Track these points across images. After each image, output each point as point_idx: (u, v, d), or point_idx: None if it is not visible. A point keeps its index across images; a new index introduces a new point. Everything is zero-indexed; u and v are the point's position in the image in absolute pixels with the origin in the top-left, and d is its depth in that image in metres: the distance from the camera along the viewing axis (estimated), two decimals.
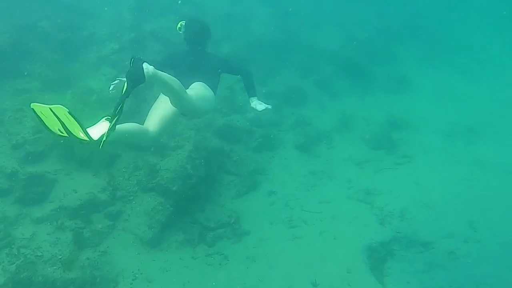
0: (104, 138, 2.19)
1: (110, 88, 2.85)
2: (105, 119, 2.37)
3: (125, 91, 2.18)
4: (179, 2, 6.24)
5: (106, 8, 5.78)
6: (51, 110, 2.00)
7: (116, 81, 2.86)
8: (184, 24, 3.41)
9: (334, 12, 8.48)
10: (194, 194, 4.10)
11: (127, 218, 3.69)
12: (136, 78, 2.18)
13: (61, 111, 2.01)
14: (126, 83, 2.19)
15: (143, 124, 2.88)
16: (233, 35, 6.63)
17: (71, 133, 2.06)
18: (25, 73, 4.31)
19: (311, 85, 6.64)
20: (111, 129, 2.23)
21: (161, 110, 2.97)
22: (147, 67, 2.28)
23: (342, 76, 6.96)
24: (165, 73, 2.52)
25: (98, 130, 2.27)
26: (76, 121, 2.03)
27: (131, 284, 3.10)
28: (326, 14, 8.35)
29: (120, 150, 4.23)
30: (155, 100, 3.15)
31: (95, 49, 5.16)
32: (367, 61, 7.28)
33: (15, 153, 3.55)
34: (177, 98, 2.75)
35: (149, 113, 3.02)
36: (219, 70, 3.38)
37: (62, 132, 2.09)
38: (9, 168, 3.33)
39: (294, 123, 5.80)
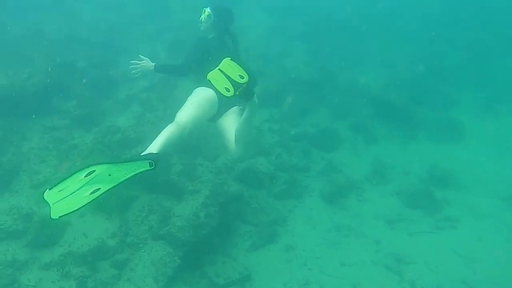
0: None
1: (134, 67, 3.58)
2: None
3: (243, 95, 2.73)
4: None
5: (142, 46, 6.20)
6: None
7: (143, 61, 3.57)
8: (210, 11, 3.51)
9: (379, 49, 8.25)
10: (205, 245, 4.06)
11: (134, 268, 3.73)
12: (249, 96, 2.78)
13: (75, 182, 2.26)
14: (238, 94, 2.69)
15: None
16: (266, 73, 6.71)
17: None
18: (58, 111, 4.69)
19: (346, 127, 6.45)
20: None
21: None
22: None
23: (382, 119, 6.67)
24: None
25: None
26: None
27: None
28: (369, 51, 8.15)
29: (139, 192, 4.37)
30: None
31: (127, 87, 5.52)
32: (411, 103, 6.91)
33: (35, 192, 3.79)
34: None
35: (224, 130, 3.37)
36: None
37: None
38: (26, 209, 3.55)
39: (323, 169, 5.63)
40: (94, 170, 2.26)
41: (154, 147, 2.73)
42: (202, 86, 3.35)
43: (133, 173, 2.40)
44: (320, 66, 7.20)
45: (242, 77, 2.67)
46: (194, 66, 3.51)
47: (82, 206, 2.24)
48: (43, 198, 2.26)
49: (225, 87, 2.65)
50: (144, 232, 4.01)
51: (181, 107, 3.28)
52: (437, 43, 8.66)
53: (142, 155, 2.59)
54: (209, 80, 2.67)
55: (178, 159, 5.03)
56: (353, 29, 8.57)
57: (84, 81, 5.12)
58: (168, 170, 4.78)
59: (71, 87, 5.01)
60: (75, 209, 2.23)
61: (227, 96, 2.68)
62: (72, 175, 2.23)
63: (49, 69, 4.80)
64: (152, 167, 2.51)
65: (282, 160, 5.61)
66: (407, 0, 10.16)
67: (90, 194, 2.30)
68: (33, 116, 4.48)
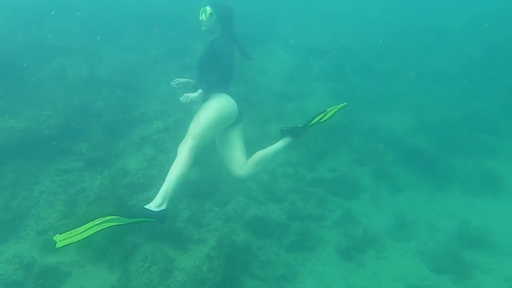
0: None
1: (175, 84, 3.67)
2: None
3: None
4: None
5: (160, 86, 6.46)
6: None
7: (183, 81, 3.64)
8: (211, 10, 3.40)
9: (407, 90, 8.06)
10: None
11: None
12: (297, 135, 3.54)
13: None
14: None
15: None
16: (285, 114, 6.74)
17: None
18: (72, 152, 4.93)
19: (367, 174, 6.26)
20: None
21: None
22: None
23: (407, 166, 6.42)
24: None
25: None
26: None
27: None
28: (396, 92, 7.98)
29: (143, 239, 4.40)
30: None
31: (141, 127, 5.72)
32: (441, 151, 6.62)
33: (39, 239, 3.92)
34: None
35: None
36: None
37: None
38: (28, 258, 3.68)
39: (340, 219, 5.45)
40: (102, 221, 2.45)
41: (163, 197, 2.76)
42: (223, 93, 3.32)
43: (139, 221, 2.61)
44: (343, 107, 7.09)
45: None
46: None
47: (85, 238, 2.41)
48: (51, 241, 2.48)
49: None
50: (144, 285, 4.00)
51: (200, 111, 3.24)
52: (473, 84, 8.28)
53: (153, 211, 2.65)
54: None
55: (186, 204, 5.08)
56: (379, 68, 8.46)
57: (99, 123, 5.37)
58: (175, 217, 4.82)
59: (87, 129, 5.27)
60: (78, 240, 2.40)
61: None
62: (80, 226, 2.44)
63: (66, 112, 5.09)
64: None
65: (295, 207, 5.49)
66: (441, 37, 9.95)
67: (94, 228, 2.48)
68: (48, 158, 4.72)
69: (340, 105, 3.91)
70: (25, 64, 5.50)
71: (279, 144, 3.54)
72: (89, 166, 4.97)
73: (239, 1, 9.02)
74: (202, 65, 3.46)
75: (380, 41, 9.05)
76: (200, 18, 3.42)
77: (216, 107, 3.19)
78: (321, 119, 3.80)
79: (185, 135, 3.11)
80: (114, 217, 2.50)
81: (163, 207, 2.72)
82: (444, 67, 8.78)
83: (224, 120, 3.26)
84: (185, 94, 3.03)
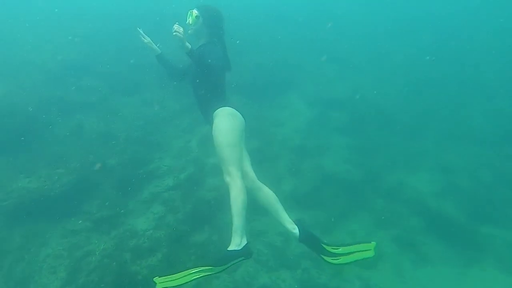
0: None
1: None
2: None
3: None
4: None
5: (175, 140, 6.61)
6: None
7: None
8: (198, 13, 3.38)
9: (435, 149, 7.74)
10: None
11: None
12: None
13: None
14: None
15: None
16: (300, 171, 6.64)
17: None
18: (81, 211, 5.05)
19: (389, 241, 5.97)
20: None
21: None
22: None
23: (434, 234, 6.06)
24: None
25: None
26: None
27: None
28: (423, 151, 7.69)
29: None
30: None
31: (153, 184, 5.80)
32: (474, 218, 6.19)
33: None
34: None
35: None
36: None
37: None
38: None
39: None
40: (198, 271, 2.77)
41: (240, 235, 2.97)
42: (222, 107, 3.35)
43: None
44: (363, 164, 6.94)
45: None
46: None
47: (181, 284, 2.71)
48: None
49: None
50: None
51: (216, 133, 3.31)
52: (510, 144, 7.83)
53: (238, 250, 2.92)
54: None
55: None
56: (403, 121, 8.26)
57: (112, 179, 5.51)
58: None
59: (99, 186, 5.43)
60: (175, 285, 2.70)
61: None
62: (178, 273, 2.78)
63: (80, 169, 5.29)
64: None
65: (308, 276, 5.26)
66: (472, 89, 9.60)
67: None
68: (57, 218, 4.85)
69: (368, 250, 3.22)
70: (44, 116, 5.87)
71: (284, 220, 3.24)
72: (98, 226, 5.05)
73: (260, 48, 9.38)
74: (193, 75, 3.48)
75: (404, 92, 8.90)
76: (187, 22, 3.39)
77: (224, 130, 3.23)
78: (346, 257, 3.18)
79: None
80: (208, 267, 2.79)
81: (244, 242, 2.95)
82: (475, 123, 8.44)
83: (238, 136, 3.31)
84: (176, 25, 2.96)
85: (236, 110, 3.38)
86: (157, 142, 6.51)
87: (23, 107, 5.76)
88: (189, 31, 3.40)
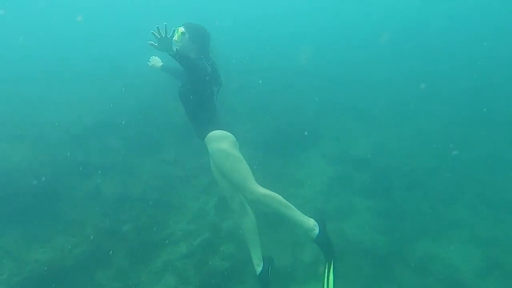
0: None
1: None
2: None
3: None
4: None
5: (192, 202, 6.59)
6: None
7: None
8: (184, 29, 3.53)
9: (473, 217, 7.09)
10: None
11: None
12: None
13: None
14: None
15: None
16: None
17: None
18: (92, 284, 5.01)
19: None
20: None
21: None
22: None
23: None
24: None
25: None
26: None
27: None
28: (458, 219, 7.06)
29: None
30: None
31: (166, 252, 5.73)
32: None
33: None
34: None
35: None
36: None
37: None
38: None
39: None
40: None
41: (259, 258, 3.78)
42: (213, 131, 3.48)
43: None
44: (389, 231, 6.58)
45: None
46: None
47: None
48: None
49: None
50: None
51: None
52: None
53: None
54: None
55: None
56: (433, 185, 7.77)
57: (125, 247, 5.50)
58: None
59: (112, 255, 5.40)
60: None
61: None
62: None
63: (94, 237, 5.31)
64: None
65: None
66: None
67: None
68: None
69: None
70: (63, 179, 6.03)
71: (300, 217, 3.45)
72: None
73: (281, 101, 9.44)
74: (182, 94, 3.60)
75: (434, 151, 8.51)
76: (174, 39, 3.46)
77: (221, 158, 3.41)
78: None
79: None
80: None
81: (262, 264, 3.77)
82: None
83: (235, 155, 3.41)
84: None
85: (227, 129, 3.51)
86: (173, 204, 6.51)
87: (43, 171, 5.94)
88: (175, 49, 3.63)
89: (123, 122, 7.63)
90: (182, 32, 3.49)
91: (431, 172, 7.98)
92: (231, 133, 3.49)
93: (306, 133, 8.51)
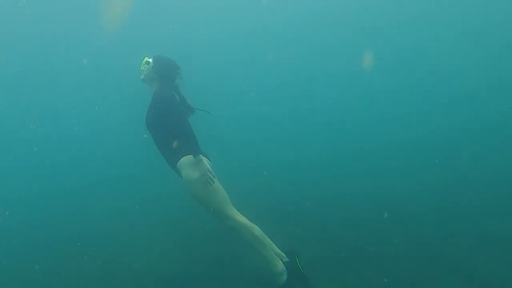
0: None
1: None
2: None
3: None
4: None
5: None
6: None
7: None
8: (151, 59, 3.61)
9: None
10: None
11: None
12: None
13: None
14: None
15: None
16: None
17: None
18: None
19: None
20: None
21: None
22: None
23: None
24: None
25: None
26: None
27: None
28: None
29: None
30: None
31: None
32: None
33: None
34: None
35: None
36: None
37: None
38: None
39: None
40: None
41: (279, 263, 3.37)
42: (183, 156, 3.38)
43: None
44: None
45: None
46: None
47: None
48: None
49: None
50: None
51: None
52: None
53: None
54: None
55: None
56: None
57: None
58: None
59: None
60: None
61: None
62: None
63: None
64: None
65: None
66: None
67: None
68: None
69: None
70: None
71: (272, 260, 3.36)
72: None
73: None
74: (149, 124, 3.55)
75: None
76: (141, 69, 3.64)
77: (195, 185, 3.28)
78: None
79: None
80: None
81: (284, 274, 3.34)
82: None
83: (209, 178, 3.28)
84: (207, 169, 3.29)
85: (201, 156, 3.30)
86: None
87: None
88: (141, 77, 3.66)
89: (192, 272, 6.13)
90: (146, 62, 3.63)
91: None
92: (202, 155, 3.32)
93: None
